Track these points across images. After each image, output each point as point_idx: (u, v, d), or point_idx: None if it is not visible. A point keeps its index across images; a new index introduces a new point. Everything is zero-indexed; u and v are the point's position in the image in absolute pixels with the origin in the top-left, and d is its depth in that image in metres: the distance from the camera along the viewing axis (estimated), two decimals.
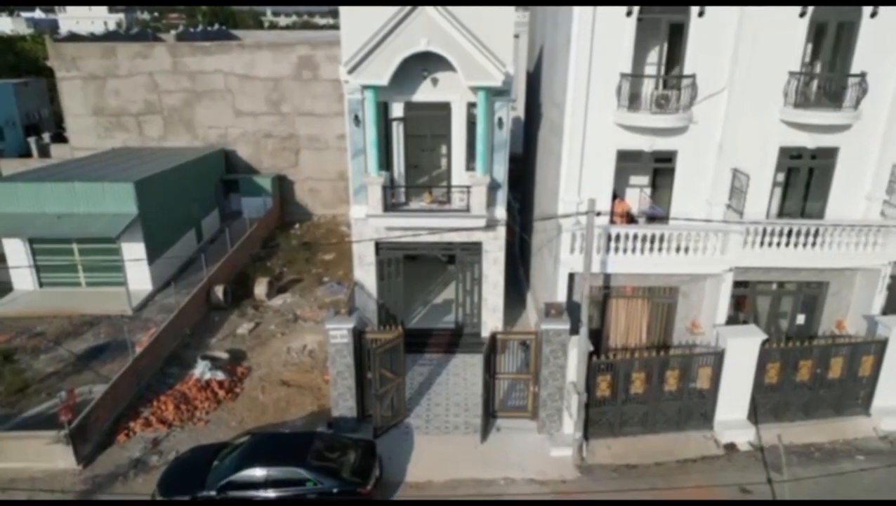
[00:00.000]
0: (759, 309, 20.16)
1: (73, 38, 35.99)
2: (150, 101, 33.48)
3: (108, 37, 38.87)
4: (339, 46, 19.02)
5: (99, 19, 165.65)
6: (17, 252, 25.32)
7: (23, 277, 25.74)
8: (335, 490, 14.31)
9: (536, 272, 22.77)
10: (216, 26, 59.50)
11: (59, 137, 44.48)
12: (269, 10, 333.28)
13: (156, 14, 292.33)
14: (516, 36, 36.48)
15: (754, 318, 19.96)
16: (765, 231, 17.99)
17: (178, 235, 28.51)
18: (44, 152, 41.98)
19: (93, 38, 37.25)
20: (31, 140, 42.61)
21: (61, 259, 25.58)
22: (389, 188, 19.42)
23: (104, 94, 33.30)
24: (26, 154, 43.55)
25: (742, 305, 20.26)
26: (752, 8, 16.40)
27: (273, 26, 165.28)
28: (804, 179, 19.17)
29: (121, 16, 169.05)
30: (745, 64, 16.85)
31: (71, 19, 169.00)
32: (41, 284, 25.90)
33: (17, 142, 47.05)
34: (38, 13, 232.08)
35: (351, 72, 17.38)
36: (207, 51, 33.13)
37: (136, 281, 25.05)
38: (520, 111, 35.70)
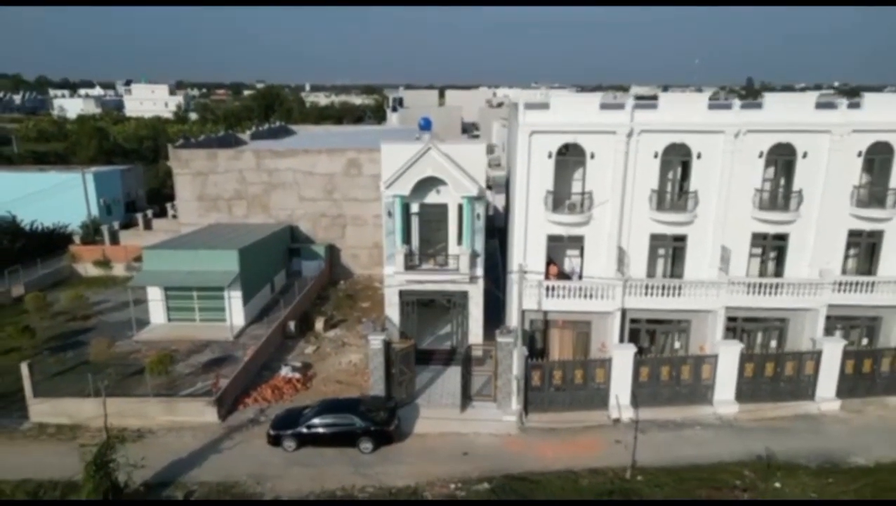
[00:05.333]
0: (656, 340, 30.62)
1: (185, 144, 48.86)
2: (239, 189, 45.84)
3: (204, 143, 51.55)
4: (378, 151, 30.80)
5: (160, 100, 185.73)
6: (156, 297, 37.02)
7: (156, 314, 37.31)
8: (372, 428, 25.06)
9: (508, 309, 33.56)
10: (277, 123, 73.34)
11: (156, 214, 57.46)
12: (308, 84, 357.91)
13: (204, 90, 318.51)
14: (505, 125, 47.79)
15: (661, 346, 30.39)
16: (644, 286, 28.78)
17: (260, 287, 40.00)
18: (147, 225, 54.71)
19: (197, 144, 50.12)
20: (139, 215, 55.41)
21: (184, 302, 37.16)
22: (409, 255, 30.72)
23: (206, 185, 45.78)
24: (127, 225, 56.21)
25: (653, 340, 30.78)
26: (622, 154, 27.75)
27: (314, 106, 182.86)
28: (673, 253, 30.01)
29: (179, 98, 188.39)
30: (620, 185, 28.12)
31: (135, 100, 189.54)
32: (169, 319, 37.39)
33: (120, 215, 59.98)
34: (97, 90, 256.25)
35: (387, 187, 29.14)
36: (282, 154, 45.65)
37: (235, 317, 36.42)
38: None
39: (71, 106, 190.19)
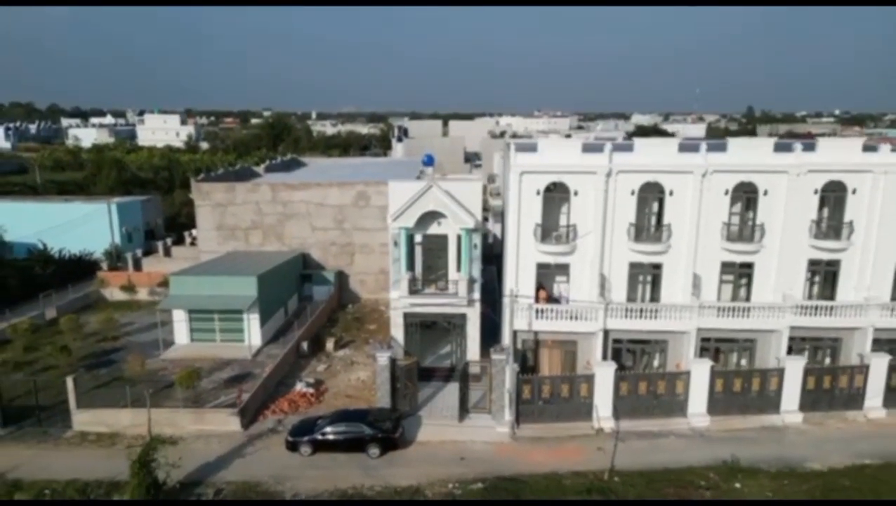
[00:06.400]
0: (638, 358, 33.70)
1: (207, 178, 52.63)
2: (255, 220, 49.43)
3: (223, 176, 55.38)
4: (385, 184, 34.25)
5: (172, 130, 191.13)
6: (180, 319, 40.32)
7: (180, 334, 40.56)
8: (379, 435, 28.17)
9: (503, 330, 36.71)
10: (288, 156, 77.38)
11: (174, 241, 61.10)
12: (314, 112, 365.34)
13: (213, 119, 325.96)
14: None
15: (643, 364, 33.45)
16: (624, 309, 31.99)
17: (276, 310, 43.27)
18: (167, 253, 58.27)
19: (216, 177, 53.90)
20: (159, 243, 59.05)
21: (206, 324, 40.44)
22: (413, 281, 34.02)
23: (225, 216, 49.37)
24: (147, 252, 59.75)
25: (635, 358, 33.85)
26: (602, 191, 31.18)
27: (321, 135, 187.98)
28: (651, 279, 33.26)
29: (190, 129, 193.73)
30: (601, 218, 31.52)
31: (148, 130, 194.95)
32: (192, 339, 40.62)
33: (140, 243, 63.52)
34: (108, 118, 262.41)
35: (394, 220, 32.61)
36: (295, 187, 49.30)
37: (253, 338, 39.64)
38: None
39: (85, 135, 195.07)
